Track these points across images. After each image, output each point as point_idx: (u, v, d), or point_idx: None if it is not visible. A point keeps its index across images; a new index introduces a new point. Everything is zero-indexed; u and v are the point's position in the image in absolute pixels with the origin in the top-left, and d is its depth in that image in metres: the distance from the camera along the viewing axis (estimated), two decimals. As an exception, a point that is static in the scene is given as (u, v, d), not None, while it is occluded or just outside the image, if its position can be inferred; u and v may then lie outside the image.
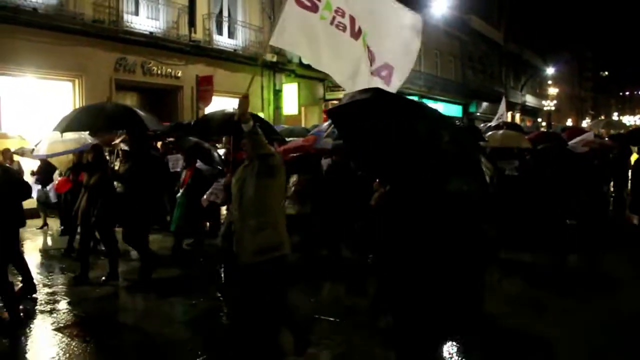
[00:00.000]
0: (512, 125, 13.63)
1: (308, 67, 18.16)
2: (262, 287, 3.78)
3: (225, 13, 16.54)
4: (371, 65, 4.59)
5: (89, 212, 6.36)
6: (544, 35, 48.90)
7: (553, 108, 50.59)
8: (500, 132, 10.61)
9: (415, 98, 25.44)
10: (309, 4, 4.16)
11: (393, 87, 4.72)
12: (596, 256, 8.14)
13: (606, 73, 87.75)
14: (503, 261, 7.43)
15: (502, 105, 14.61)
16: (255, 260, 3.71)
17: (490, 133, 11.16)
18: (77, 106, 12.43)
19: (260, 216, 3.75)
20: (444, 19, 26.10)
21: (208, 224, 9.05)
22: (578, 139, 11.93)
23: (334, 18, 4.29)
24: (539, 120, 48.40)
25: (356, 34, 4.45)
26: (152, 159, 6.67)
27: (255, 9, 17.27)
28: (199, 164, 8.04)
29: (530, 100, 46.64)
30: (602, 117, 53.72)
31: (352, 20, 4.40)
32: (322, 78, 19.56)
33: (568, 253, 8.33)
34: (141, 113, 6.88)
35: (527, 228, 9.10)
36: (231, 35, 16.64)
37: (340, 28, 4.34)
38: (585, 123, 54.22)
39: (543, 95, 51.48)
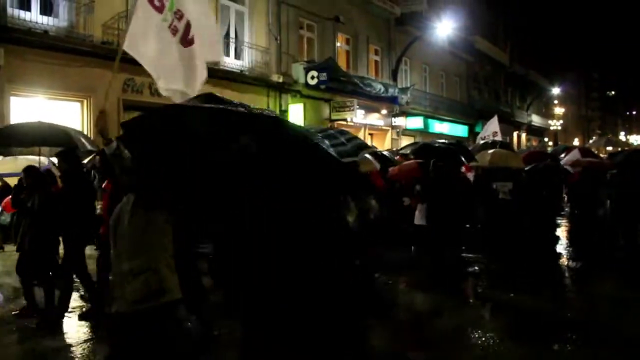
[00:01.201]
0: (503, 145, 13.33)
1: (314, 88, 18.40)
2: (142, 341, 3.08)
3: (232, 34, 16.78)
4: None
5: (28, 236, 5.96)
6: (549, 56, 49.14)
7: (559, 128, 50.65)
8: (490, 151, 10.35)
9: (421, 118, 25.59)
10: (158, 3, 3.83)
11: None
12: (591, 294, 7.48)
13: (613, 93, 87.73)
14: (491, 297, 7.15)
15: (495, 123, 14.19)
16: (131, 309, 3.04)
17: (480, 153, 10.86)
18: (86, 126, 12.63)
19: (137, 257, 3.06)
20: (449, 40, 26.33)
21: None
22: (566, 158, 11.69)
23: (172, 21, 4.00)
24: (546, 139, 48.39)
25: (188, 41, 4.11)
26: (83, 179, 6.29)
27: (261, 31, 17.52)
28: None
29: (536, 120, 46.67)
30: (610, 136, 53.59)
31: (188, 26, 4.08)
32: (328, 98, 19.73)
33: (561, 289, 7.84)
34: (74, 134, 6.72)
35: (521, 258, 8.81)
36: (238, 56, 16.86)
37: (172, 31, 4.01)
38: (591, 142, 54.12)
39: (549, 115, 51.58)
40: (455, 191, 7.58)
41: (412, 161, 9.60)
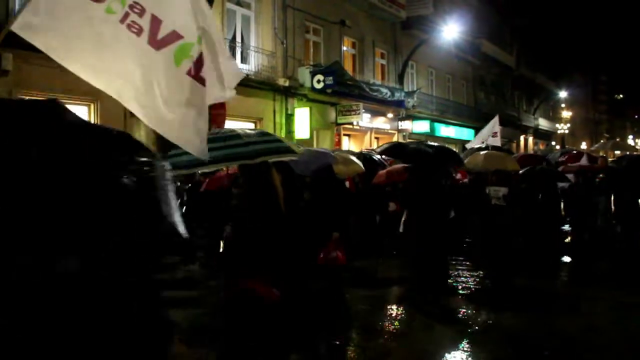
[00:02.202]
0: (496, 148, 12.57)
1: (320, 91, 18.40)
2: None
3: (238, 39, 16.83)
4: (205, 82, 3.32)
5: None
6: (556, 59, 48.96)
7: (567, 131, 50.41)
8: (483, 153, 9.71)
9: (427, 122, 25.56)
10: None
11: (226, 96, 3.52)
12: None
13: (621, 96, 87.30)
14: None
15: (495, 124, 13.56)
16: None
17: (470, 156, 10.26)
18: (92, 130, 12.70)
19: None
20: (455, 43, 26.27)
21: None
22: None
23: (126, 15, 3.09)
24: (553, 143, 48.20)
25: (159, 41, 3.17)
26: None
27: (267, 35, 17.56)
28: None
29: (543, 123, 46.51)
30: (618, 140, 53.24)
31: (156, 22, 3.17)
32: (335, 102, 19.73)
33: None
34: None
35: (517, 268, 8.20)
36: (244, 60, 16.90)
37: (134, 30, 3.09)
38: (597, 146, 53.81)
39: (556, 119, 51.39)
40: (434, 197, 6.94)
41: (399, 165, 9.11)
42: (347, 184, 8.21)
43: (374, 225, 9.55)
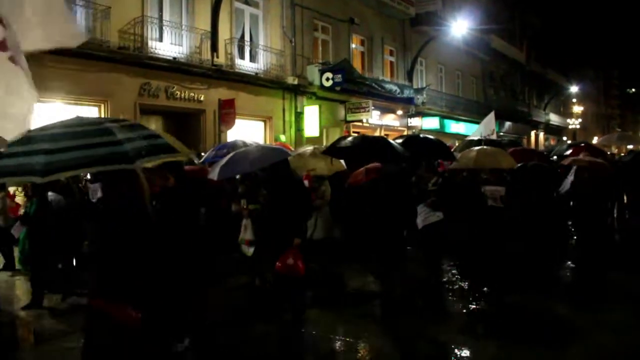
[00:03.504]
0: (492, 142, 11.79)
1: (329, 89, 18.38)
2: None
3: (247, 37, 16.84)
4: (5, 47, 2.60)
5: None
6: (567, 54, 48.54)
7: (578, 127, 49.99)
8: (476, 149, 8.82)
9: (437, 119, 25.44)
10: None
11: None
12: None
13: (633, 90, 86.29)
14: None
15: (491, 119, 13.27)
16: None
17: (462, 152, 9.52)
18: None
19: None
20: (464, 39, 26.12)
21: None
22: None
23: None
24: (564, 138, 47.82)
25: None
26: None
27: (276, 33, 17.55)
28: (50, 194, 7.02)
29: (554, 119, 46.13)
30: (631, 133, 52.61)
31: None
32: (344, 100, 19.70)
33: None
34: None
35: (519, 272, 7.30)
36: (253, 59, 16.91)
37: None
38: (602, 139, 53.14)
39: (568, 114, 50.99)
40: (396, 199, 6.38)
41: (377, 163, 8.14)
42: (306, 183, 7.23)
43: (362, 229, 8.69)
